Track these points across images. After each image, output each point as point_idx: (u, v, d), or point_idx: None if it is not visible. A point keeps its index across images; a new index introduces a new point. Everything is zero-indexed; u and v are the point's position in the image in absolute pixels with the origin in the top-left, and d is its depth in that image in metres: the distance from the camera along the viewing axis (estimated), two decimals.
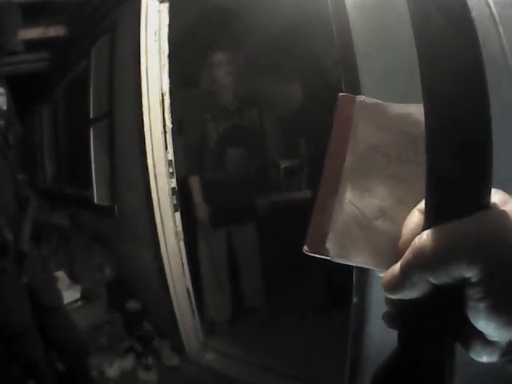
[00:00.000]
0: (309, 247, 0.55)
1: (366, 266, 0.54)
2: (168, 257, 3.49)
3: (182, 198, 3.59)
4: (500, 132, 1.51)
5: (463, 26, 0.43)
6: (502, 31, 1.79)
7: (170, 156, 3.45)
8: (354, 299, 2.21)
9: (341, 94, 0.59)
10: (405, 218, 0.50)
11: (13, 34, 2.68)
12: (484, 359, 0.46)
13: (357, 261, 0.54)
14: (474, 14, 1.28)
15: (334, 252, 0.54)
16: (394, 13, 1.71)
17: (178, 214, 3.51)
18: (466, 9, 0.43)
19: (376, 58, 2.02)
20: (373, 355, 2.23)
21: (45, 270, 3.07)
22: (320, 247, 0.55)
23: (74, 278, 4.17)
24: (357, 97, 0.59)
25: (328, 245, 0.54)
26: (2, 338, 2.68)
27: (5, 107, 2.76)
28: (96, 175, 4.55)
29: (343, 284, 2.27)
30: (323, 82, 3.50)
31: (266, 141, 4.16)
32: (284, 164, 4.51)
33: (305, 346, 3.34)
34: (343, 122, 0.58)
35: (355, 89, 2.01)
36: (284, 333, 3.61)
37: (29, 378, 2.79)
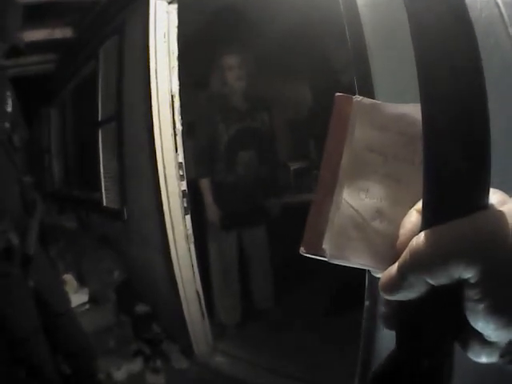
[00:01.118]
0: (305, 248, 0.55)
1: (363, 267, 0.53)
2: (178, 260, 3.48)
3: (193, 200, 3.59)
4: (509, 133, 1.49)
5: (459, 24, 0.42)
6: (511, 32, 1.78)
7: (180, 158, 3.44)
8: (366, 302, 2.20)
9: (337, 93, 0.59)
10: (402, 219, 0.49)
11: (14, 31, 2.69)
12: (483, 360, 0.46)
13: (354, 262, 0.53)
14: (483, 15, 1.26)
15: (330, 253, 0.54)
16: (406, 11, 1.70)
17: (188, 217, 3.51)
18: (463, 8, 0.43)
19: (388, 57, 2.01)
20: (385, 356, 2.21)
21: (52, 274, 3.07)
22: (316, 248, 0.55)
23: (82, 281, 4.17)
24: (354, 97, 0.59)
25: (324, 245, 0.54)
26: (7, 342, 2.67)
27: (10, 109, 2.77)
28: (105, 178, 4.55)
29: (354, 286, 2.25)
30: (335, 83, 3.49)
31: (276, 143, 4.15)
32: (294, 166, 4.50)
33: (315, 349, 3.33)
34: (340, 122, 0.58)
35: (368, 88, 2.00)
36: (294, 335, 3.60)
37: (33, 381, 2.78)
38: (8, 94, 2.77)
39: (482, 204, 0.43)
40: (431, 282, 0.43)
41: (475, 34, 0.42)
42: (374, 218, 0.54)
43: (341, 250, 0.54)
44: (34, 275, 2.68)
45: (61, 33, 4.98)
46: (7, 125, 2.71)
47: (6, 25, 2.62)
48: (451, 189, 0.43)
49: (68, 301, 3.17)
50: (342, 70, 3.41)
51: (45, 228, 3.68)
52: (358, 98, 0.58)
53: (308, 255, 0.55)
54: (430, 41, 0.43)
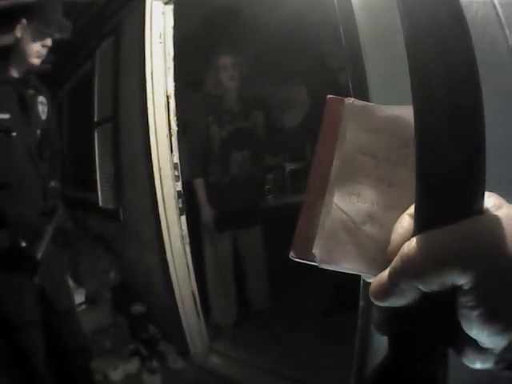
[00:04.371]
0: (295, 252, 0.53)
1: (354, 272, 0.52)
2: (173, 260, 3.49)
3: (188, 201, 3.59)
4: (506, 135, 1.49)
5: (453, 22, 0.41)
6: (508, 33, 1.78)
7: (176, 159, 3.45)
8: (361, 302, 2.20)
9: (329, 96, 0.58)
10: (394, 223, 0.48)
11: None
12: (477, 366, 0.45)
13: (344, 267, 0.52)
14: (479, 15, 1.27)
15: (320, 258, 0.52)
16: None
17: (183, 218, 3.52)
18: (457, 6, 0.41)
19: (384, 60, 2.01)
20: (380, 359, 2.21)
21: (60, 273, 3.06)
22: (306, 252, 0.53)
23: (78, 282, 4.17)
24: (345, 99, 0.57)
25: (314, 250, 0.52)
26: (3, 331, 2.68)
27: (44, 117, 2.79)
28: (101, 178, 4.55)
29: (350, 287, 2.25)
30: (330, 84, 3.49)
31: (270, 143, 4.15)
32: (289, 167, 4.49)
33: (311, 350, 3.33)
34: (331, 125, 0.57)
35: (363, 91, 2.00)
36: (290, 336, 3.60)
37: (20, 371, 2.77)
38: (41, 100, 2.79)
39: (476, 208, 0.42)
40: (423, 288, 0.41)
41: (470, 33, 0.41)
42: (365, 222, 0.53)
43: (331, 254, 0.52)
44: (42, 274, 2.69)
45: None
46: (38, 132, 2.74)
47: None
48: (445, 193, 0.42)
49: (72, 299, 3.18)
50: (338, 71, 3.41)
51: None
52: (349, 100, 0.57)
53: (298, 260, 0.53)
54: (422, 39, 0.41)
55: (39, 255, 2.64)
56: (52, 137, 2.91)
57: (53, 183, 2.90)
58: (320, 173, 0.56)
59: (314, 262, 0.53)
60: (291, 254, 0.53)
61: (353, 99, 0.57)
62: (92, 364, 3.16)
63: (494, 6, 1.78)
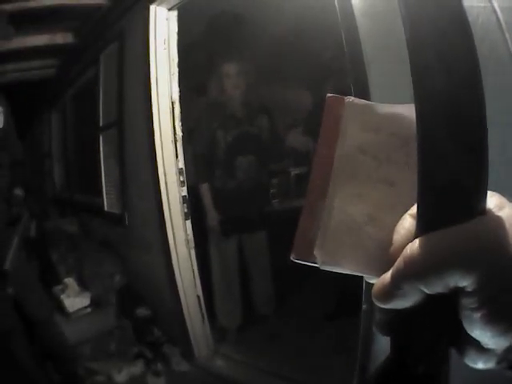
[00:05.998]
0: (296, 254, 0.53)
1: (357, 274, 0.51)
2: (179, 264, 3.50)
3: (193, 206, 3.61)
4: (505, 137, 1.51)
5: (455, 24, 0.41)
6: (508, 38, 1.78)
7: (181, 164, 3.47)
8: (364, 306, 2.20)
9: (329, 94, 0.57)
10: (395, 224, 0.47)
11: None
12: (480, 366, 0.45)
13: (346, 268, 0.51)
14: (480, 20, 1.28)
15: (322, 259, 0.51)
16: None
17: (188, 222, 3.54)
18: (460, 8, 0.42)
19: (385, 66, 2.02)
20: (382, 360, 2.22)
21: (31, 283, 3.05)
22: (307, 254, 0.52)
23: (83, 285, 4.19)
24: (346, 98, 0.57)
25: (316, 252, 0.52)
26: None
27: (0, 126, 2.76)
28: (106, 183, 4.55)
29: (353, 291, 2.26)
30: (333, 89, 3.51)
31: (275, 148, 4.15)
32: (294, 171, 4.48)
33: (314, 353, 3.34)
34: (332, 124, 0.56)
35: (364, 96, 2.01)
36: (294, 339, 3.61)
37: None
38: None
39: (479, 209, 0.41)
40: (426, 290, 0.41)
41: (473, 36, 0.41)
42: (366, 223, 0.52)
43: (333, 256, 0.51)
44: (14, 285, 2.68)
45: (62, 38, 4.97)
46: None
47: None
48: (447, 193, 0.41)
49: (46, 308, 3.17)
50: (340, 76, 3.43)
51: (47, 232, 3.65)
52: (349, 98, 0.56)
53: (299, 261, 0.53)
54: (424, 42, 0.41)
55: (7, 265, 2.63)
56: (11, 145, 2.86)
57: (16, 191, 2.86)
58: (321, 173, 0.55)
59: (316, 263, 0.52)
60: (292, 256, 0.53)
61: (353, 98, 0.56)
62: (96, 366, 3.17)
63: (495, 11, 1.79)
